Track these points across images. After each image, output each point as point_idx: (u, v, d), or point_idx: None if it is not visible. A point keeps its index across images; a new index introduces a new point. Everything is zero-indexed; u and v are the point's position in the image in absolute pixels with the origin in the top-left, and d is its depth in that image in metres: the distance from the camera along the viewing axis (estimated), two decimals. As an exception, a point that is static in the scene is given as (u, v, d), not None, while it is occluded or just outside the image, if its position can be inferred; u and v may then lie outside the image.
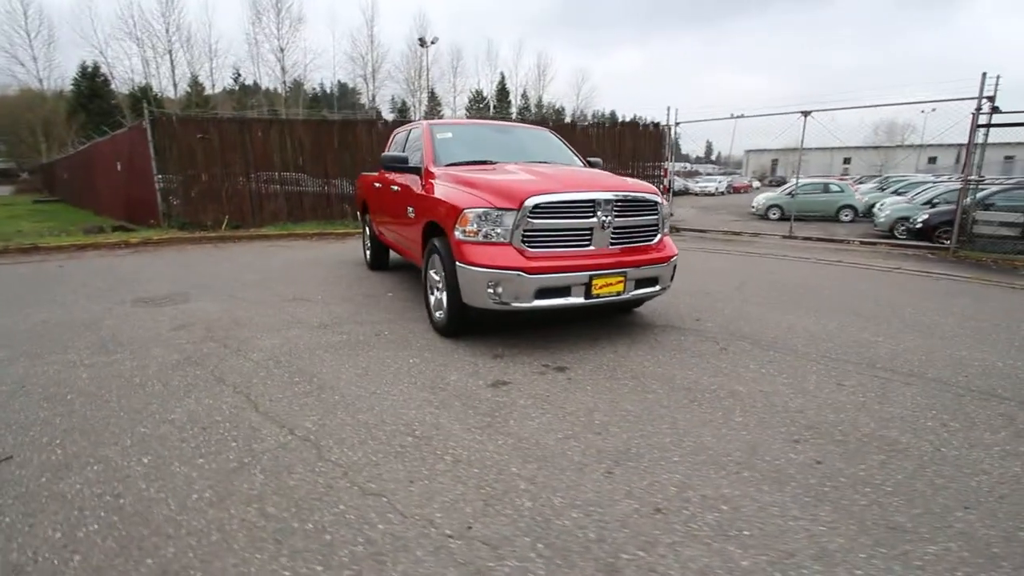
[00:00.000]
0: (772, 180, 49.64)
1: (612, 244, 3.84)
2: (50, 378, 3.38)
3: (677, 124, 13.00)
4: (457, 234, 3.74)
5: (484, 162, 4.64)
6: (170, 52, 39.10)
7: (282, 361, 3.68)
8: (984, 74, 8.79)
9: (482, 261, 3.59)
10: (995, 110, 8.94)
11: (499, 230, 3.61)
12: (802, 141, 11.46)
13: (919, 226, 11.27)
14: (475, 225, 3.64)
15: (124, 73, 39.83)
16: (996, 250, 9.21)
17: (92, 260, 8.24)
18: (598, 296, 3.73)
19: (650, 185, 4.20)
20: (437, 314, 4.29)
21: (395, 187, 5.39)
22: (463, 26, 76.09)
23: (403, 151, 5.55)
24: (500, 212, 3.58)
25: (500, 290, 3.57)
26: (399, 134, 6.18)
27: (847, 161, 52.66)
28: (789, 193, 18.02)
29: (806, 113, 11.32)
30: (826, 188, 17.82)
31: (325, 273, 7.07)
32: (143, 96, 30.66)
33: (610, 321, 4.65)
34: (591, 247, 3.77)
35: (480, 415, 2.83)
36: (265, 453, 2.44)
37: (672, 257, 4.13)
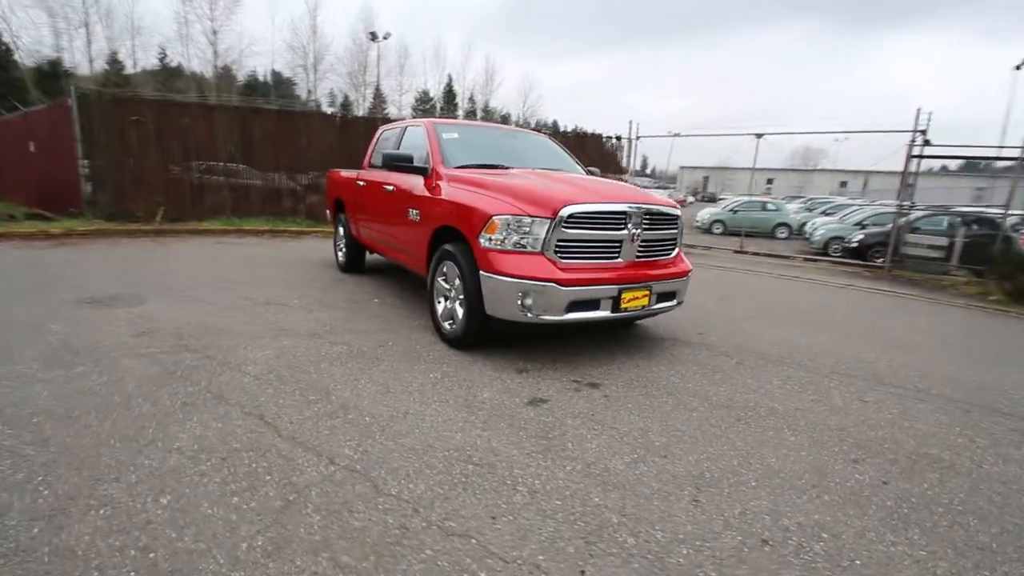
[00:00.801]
0: (704, 196, 52.50)
1: (638, 257, 3.78)
2: (1, 397, 2.82)
3: (638, 138, 13.36)
4: (482, 241, 3.53)
5: (495, 166, 4.45)
6: (87, 25, 35.29)
7: (285, 376, 3.29)
8: (919, 109, 9.67)
9: (512, 271, 3.40)
10: (927, 143, 9.87)
11: (530, 239, 3.44)
12: (755, 161, 12.14)
13: (854, 245, 12.23)
14: (504, 233, 3.45)
15: (31, 44, 35.49)
16: (924, 270, 10.15)
17: (8, 252, 7.17)
18: (625, 310, 3.65)
19: (670, 199, 4.19)
20: (447, 324, 4.05)
21: (388, 187, 5.06)
22: (410, 24, 74.63)
23: (397, 150, 5.23)
24: (532, 220, 3.42)
25: (530, 302, 3.39)
26: (388, 131, 5.83)
27: (770, 181, 56.70)
28: (732, 209, 19.06)
29: (759, 135, 11.99)
30: (764, 206, 19.00)
31: (293, 274, 6.55)
32: (52, 71, 27.42)
33: (616, 334, 4.60)
34: (619, 259, 3.69)
35: (533, 437, 2.65)
36: (311, 488, 2.13)
37: (689, 272, 4.14)
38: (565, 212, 3.41)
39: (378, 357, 3.71)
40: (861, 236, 12.28)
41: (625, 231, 3.63)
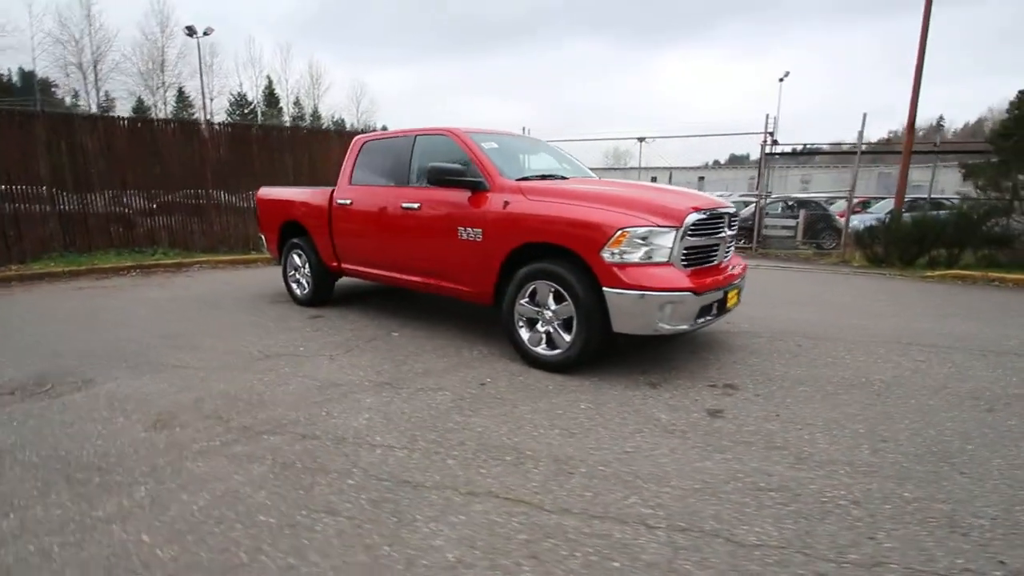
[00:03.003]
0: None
1: (724, 257, 3.94)
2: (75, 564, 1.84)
3: (531, 143, 13.76)
4: (606, 256, 3.34)
5: (551, 176, 4.23)
6: None
7: (435, 439, 2.73)
8: (768, 115, 11.70)
9: (649, 284, 3.28)
10: (775, 142, 11.99)
11: (658, 249, 3.36)
12: (640, 162, 13.39)
13: (720, 231, 14.27)
14: (633, 245, 3.31)
15: None
16: (782, 247, 12.33)
17: None
18: (728, 310, 3.79)
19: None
20: (540, 348, 3.75)
21: (410, 205, 4.45)
22: (213, 22, 65.51)
23: (404, 163, 4.65)
24: (660, 230, 3.34)
25: (667, 313, 3.32)
26: (374, 143, 5.10)
27: (596, 179, 62.71)
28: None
29: (641, 139, 13.28)
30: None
31: (245, 316, 5.40)
32: None
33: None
34: (715, 262, 3.81)
35: (771, 450, 2.61)
36: (681, 562, 1.81)
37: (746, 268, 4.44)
38: (690, 220, 3.41)
39: (500, 398, 3.28)
40: (724, 223, 14.37)
41: (724, 233, 3.77)
